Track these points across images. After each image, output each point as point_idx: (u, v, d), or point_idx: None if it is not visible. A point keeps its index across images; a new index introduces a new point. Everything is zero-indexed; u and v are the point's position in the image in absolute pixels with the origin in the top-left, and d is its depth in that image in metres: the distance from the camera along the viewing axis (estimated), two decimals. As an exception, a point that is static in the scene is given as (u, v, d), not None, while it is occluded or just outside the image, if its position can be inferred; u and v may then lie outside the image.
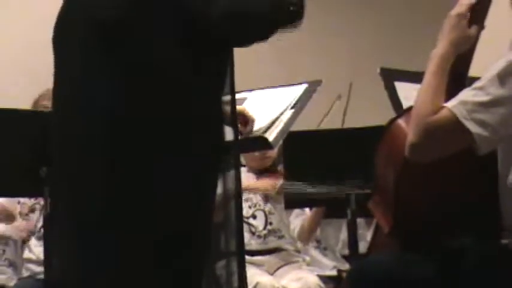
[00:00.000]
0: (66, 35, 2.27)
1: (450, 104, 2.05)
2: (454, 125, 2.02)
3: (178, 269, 2.24)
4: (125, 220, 2.20)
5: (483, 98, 2.02)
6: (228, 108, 2.41)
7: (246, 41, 2.27)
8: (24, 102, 4.03)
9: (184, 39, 2.17)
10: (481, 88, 2.03)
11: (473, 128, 2.01)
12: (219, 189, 2.38)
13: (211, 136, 2.28)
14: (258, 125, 2.82)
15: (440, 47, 2.16)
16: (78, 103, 2.24)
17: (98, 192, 2.21)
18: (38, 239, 4.00)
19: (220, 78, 2.31)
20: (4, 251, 4.25)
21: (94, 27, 2.19)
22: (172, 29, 2.18)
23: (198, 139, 2.23)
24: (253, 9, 2.18)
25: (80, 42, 2.23)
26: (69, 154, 2.26)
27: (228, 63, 2.34)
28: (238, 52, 2.31)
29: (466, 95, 2.05)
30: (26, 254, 4.17)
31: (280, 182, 3.94)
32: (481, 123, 2.01)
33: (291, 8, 2.19)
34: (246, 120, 2.76)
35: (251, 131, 2.80)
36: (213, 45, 2.21)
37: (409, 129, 2.12)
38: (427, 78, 2.14)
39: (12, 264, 4.24)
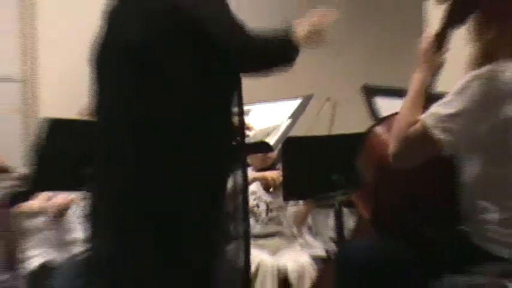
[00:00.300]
0: (103, 55, 2.35)
1: (423, 116, 2.09)
2: (425, 134, 2.06)
3: (185, 266, 2.23)
4: (133, 217, 2.22)
5: (449, 110, 2.06)
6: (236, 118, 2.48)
7: (252, 71, 2.36)
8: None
9: (196, 54, 2.23)
10: (448, 102, 2.08)
11: (441, 135, 2.05)
12: (230, 185, 2.43)
13: (218, 138, 2.32)
14: (261, 131, 2.89)
15: (419, 73, 2.20)
16: (107, 111, 2.30)
17: (117, 188, 2.26)
18: (81, 223, 3.92)
19: (226, 84, 2.34)
20: (49, 233, 4.23)
21: (126, 48, 2.25)
22: (188, 46, 2.23)
23: (204, 140, 2.26)
24: (266, 51, 2.29)
25: (113, 61, 2.29)
26: (101, 155, 2.33)
27: (237, 79, 2.40)
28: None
29: (436, 108, 2.09)
30: (69, 236, 4.20)
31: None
32: (446, 130, 2.05)
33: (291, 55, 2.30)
34: (248, 127, 2.84)
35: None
36: (220, 59, 2.26)
37: (389, 139, 2.14)
38: (409, 96, 2.17)
39: (56, 245, 4.22)
